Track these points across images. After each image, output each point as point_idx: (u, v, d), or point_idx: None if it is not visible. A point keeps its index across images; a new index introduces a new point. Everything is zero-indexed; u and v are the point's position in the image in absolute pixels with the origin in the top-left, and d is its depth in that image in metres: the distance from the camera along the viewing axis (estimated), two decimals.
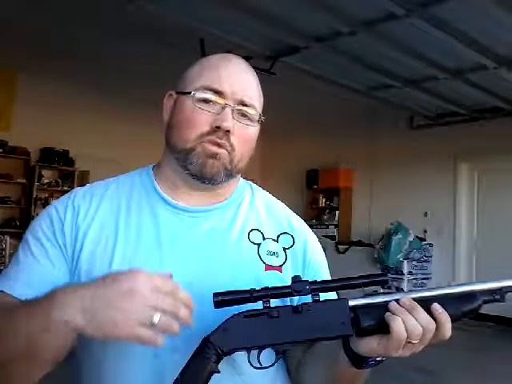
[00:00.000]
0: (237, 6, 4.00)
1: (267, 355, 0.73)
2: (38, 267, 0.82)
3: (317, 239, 1.00)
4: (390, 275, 7.03)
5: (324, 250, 1.00)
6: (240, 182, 0.98)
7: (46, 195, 7.26)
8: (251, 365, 0.72)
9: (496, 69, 5.06)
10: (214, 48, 4.90)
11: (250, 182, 1.02)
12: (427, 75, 5.42)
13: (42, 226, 0.86)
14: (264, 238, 0.91)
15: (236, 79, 0.87)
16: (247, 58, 4.72)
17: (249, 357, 0.72)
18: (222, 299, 0.71)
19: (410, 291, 0.72)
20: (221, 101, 0.84)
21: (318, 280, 0.74)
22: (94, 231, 0.86)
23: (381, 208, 7.91)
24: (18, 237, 6.66)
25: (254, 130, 0.89)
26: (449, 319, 0.69)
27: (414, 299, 0.71)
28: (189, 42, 4.80)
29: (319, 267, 0.95)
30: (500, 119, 6.60)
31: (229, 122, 0.83)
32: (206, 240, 0.87)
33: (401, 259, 6.93)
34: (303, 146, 8.90)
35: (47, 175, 7.33)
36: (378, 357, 0.73)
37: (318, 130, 8.39)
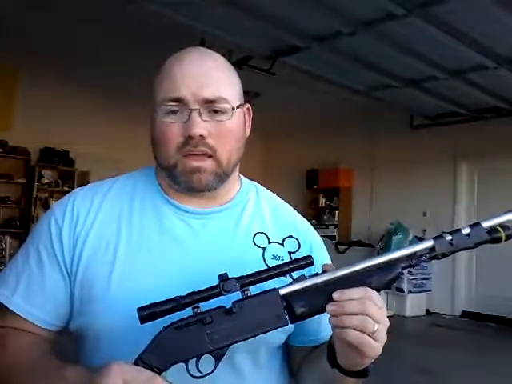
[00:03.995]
0: (237, 6, 4.00)
1: (208, 361, 0.70)
2: (40, 284, 0.83)
3: (322, 241, 0.98)
4: None
5: None
6: (245, 183, 0.95)
7: (46, 195, 7.26)
8: (190, 375, 0.69)
9: (496, 69, 5.06)
10: (214, 48, 4.91)
11: (255, 183, 0.99)
12: (427, 75, 5.42)
13: (41, 235, 0.85)
14: (269, 242, 0.89)
15: (191, 79, 0.81)
16: (247, 58, 4.75)
17: (187, 367, 0.69)
18: (148, 313, 0.67)
19: (336, 270, 0.72)
20: (184, 107, 0.80)
21: (245, 274, 0.72)
22: (95, 236, 0.83)
23: (381, 208, 7.91)
24: (18, 237, 6.66)
25: (232, 122, 0.83)
26: (345, 303, 0.69)
27: (342, 277, 0.71)
28: (189, 42, 4.79)
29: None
30: (500, 119, 6.60)
31: (197, 128, 0.78)
32: (211, 243, 0.85)
33: None
34: (303, 146, 8.90)
35: (47, 175, 7.32)
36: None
37: (318, 130, 8.39)
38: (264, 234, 0.89)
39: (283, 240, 0.90)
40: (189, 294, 0.69)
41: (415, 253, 0.74)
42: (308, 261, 0.73)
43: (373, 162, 8.03)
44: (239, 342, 0.70)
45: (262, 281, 0.72)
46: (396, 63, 5.09)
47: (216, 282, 0.71)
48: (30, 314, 0.82)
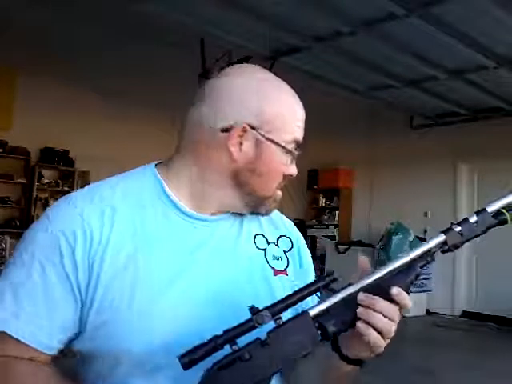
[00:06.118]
0: (237, 6, 4.00)
1: None
2: (47, 306, 0.75)
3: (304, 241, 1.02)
4: None
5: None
6: None
7: (46, 195, 7.25)
8: None
9: (496, 69, 5.06)
10: (214, 48, 4.91)
11: None
12: (427, 75, 5.42)
13: (45, 250, 0.76)
14: (268, 243, 0.91)
15: (303, 123, 0.89)
16: (247, 58, 4.74)
17: None
18: (190, 359, 0.67)
19: (362, 279, 0.73)
20: (294, 150, 0.87)
21: (274, 302, 0.72)
22: (111, 255, 0.77)
23: (381, 208, 7.91)
24: (18, 237, 6.65)
25: None
26: (406, 296, 0.74)
27: (366, 287, 0.73)
28: (189, 42, 4.80)
29: (308, 271, 0.96)
30: (500, 119, 6.60)
31: (296, 169, 0.88)
32: (221, 249, 0.85)
33: None
34: (303, 146, 8.86)
35: (47, 175, 7.32)
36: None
37: (318, 130, 8.37)
38: (262, 235, 0.91)
39: (277, 240, 0.93)
40: (224, 333, 0.69)
41: (430, 250, 0.76)
42: (332, 277, 0.73)
43: (373, 161, 8.03)
44: (279, 369, 0.71)
45: (292, 305, 0.72)
46: (396, 63, 5.09)
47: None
48: (36, 341, 0.75)
